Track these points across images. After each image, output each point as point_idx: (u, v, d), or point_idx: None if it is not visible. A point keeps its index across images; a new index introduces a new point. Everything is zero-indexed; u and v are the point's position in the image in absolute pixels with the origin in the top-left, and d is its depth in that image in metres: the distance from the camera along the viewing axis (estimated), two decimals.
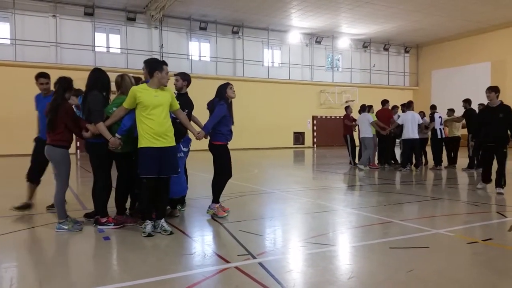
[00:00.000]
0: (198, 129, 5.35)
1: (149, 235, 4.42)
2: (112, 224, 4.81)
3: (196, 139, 5.19)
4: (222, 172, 5.41)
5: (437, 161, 11.43)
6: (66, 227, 4.66)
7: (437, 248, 4.02)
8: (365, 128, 11.66)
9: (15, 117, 17.38)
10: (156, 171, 4.49)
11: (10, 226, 4.79)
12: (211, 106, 5.44)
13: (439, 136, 11.36)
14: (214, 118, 5.24)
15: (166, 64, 4.64)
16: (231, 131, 5.43)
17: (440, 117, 11.45)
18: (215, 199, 5.43)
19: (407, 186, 8.56)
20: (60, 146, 4.63)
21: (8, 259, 3.81)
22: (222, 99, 5.34)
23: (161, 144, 4.46)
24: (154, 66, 4.56)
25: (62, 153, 4.67)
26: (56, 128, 4.58)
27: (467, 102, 11.18)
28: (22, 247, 4.11)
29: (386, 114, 11.91)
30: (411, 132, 10.81)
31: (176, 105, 4.75)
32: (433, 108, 11.94)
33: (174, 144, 4.64)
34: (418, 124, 10.96)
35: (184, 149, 5.41)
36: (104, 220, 4.82)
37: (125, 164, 4.94)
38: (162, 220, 4.62)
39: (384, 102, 12.16)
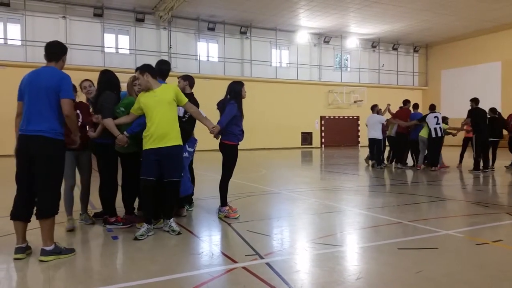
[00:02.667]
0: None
1: (136, 238, 4.32)
2: (121, 223, 4.85)
3: (211, 133, 4.99)
4: (226, 172, 5.38)
5: (433, 161, 11.35)
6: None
7: (446, 249, 3.99)
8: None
9: None
10: (155, 174, 4.45)
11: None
12: (221, 105, 5.38)
13: (433, 136, 11.21)
14: (228, 115, 5.14)
15: (137, 69, 4.53)
16: (242, 131, 5.39)
17: (436, 117, 11.26)
18: (224, 202, 5.40)
19: (416, 187, 8.50)
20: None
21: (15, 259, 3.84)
22: (233, 99, 5.25)
23: (160, 145, 4.39)
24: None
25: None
26: None
27: (474, 101, 10.93)
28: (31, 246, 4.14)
29: (407, 113, 12.00)
30: (371, 133, 11.91)
31: (183, 100, 4.58)
32: (431, 108, 11.70)
33: (176, 143, 4.48)
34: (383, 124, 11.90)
35: (190, 149, 5.42)
36: (113, 219, 4.86)
37: (132, 164, 4.96)
38: (171, 220, 4.62)
39: (406, 102, 12.34)
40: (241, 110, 5.32)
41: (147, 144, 4.44)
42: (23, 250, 3.77)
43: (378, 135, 11.84)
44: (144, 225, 4.49)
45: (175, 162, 4.51)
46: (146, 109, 4.45)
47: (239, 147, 5.44)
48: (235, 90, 5.31)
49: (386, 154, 12.79)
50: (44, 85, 3.69)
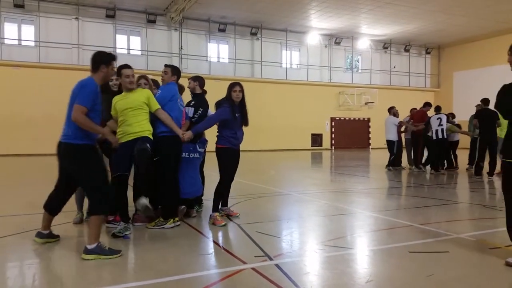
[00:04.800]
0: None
1: (114, 235, 4.38)
2: (118, 223, 4.87)
3: (182, 140, 4.86)
4: (222, 176, 5.17)
5: (432, 164, 11.17)
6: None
7: (458, 253, 3.94)
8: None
9: (40, 117, 17.86)
10: (128, 168, 4.59)
11: (30, 225, 4.88)
12: (217, 106, 5.32)
13: (434, 138, 11.02)
14: (209, 120, 5.10)
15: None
16: (235, 135, 5.10)
17: (439, 118, 11.03)
18: (215, 208, 5.13)
19: (428, 190, 8.41)
20: None
21: (29, 256, 3.90)
22: (227, 101, 5.09)
23: (132, 137, 4.52)
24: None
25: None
26: None
27: (483, 102, 10.59)
28: (42, 246, 4.18)
29: (421, 115, 11.93)
30: (386, 135, 12.11)
31: (154, 105, 4.69)
32: (436, 109, 11.50)
33: (146, 135, 4.59)
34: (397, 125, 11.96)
35: (200, 150, 5.42)
36: (111, 218, 4.89)
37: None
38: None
39: (425, 104, 12.29)
40: (233, 113, 5.03)
41: (121, 140, 4.58)
42: (42, 235, 4.18)
43: (392, 137, 11.93)
44: (121, 223, 4.54)
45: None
46: (118, 111, 4.63)
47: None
48: (226, 94, 5.14)
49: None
50: (73, 93, 3.91)
